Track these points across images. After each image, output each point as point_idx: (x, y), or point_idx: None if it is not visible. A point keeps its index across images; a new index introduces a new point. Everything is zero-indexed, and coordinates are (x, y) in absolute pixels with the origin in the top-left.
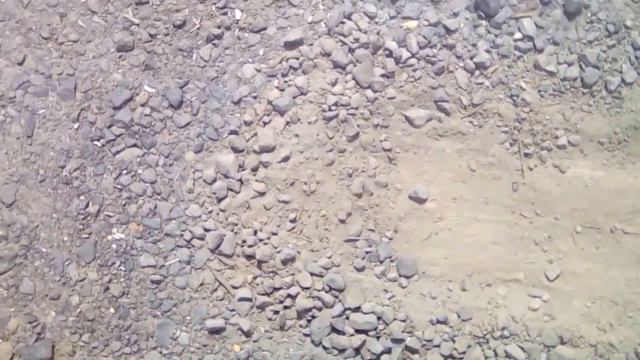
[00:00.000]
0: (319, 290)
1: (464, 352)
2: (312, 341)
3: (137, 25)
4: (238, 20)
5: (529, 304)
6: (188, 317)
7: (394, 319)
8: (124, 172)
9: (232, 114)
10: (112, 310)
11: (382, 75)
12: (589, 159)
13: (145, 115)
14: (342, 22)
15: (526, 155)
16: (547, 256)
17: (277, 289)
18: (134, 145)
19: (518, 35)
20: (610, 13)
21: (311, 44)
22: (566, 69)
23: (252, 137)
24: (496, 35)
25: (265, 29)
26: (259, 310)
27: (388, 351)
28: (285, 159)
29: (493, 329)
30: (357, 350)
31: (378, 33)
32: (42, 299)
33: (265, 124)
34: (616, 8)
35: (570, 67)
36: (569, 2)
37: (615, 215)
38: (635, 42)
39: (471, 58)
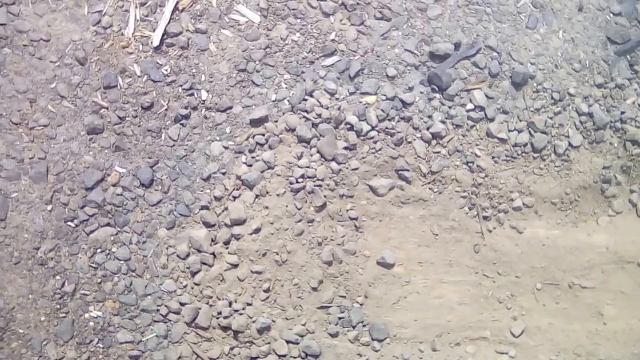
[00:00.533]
0: (295, 358)
1: None
2: None
3: (107, 108)
4: (205, 101)
5: None
6: None
7: None
8: (99, 251)
9: (202, 191)
10: None
11: (345, 148)
12: (544, 219)
13: (118, 195)
14: (305, 100)
15: (485, 218)
16: (511, 313)
17: (255, 359)
18: (108, 225)
19: (470, 106)
20: (554, 82)
21: (276, 121)
22: (517, 135)
23: (223, 211)
24: (450, 107)
25: (231, 108)
26: None
27: None
28: (257, 231)
29: None
30: None
31: (339, 109)
32: None
33: (235, 198)
34: (560, 77)
35: (521, 134)
36: (516, 74)
37: (572, 271)
38: (580, 109)
39: (428, 129)
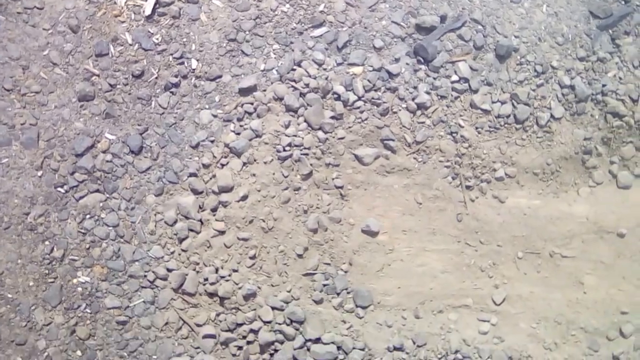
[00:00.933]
0: (280, 324)
1: None
2: None
3: (98, 76)
4: (194, 70)
5: (478, 327)
6: (154, 357)
7: (353, 348)
8: (88, 216)
9: (190, 158)
10: (79, 352)
11: (332, 117)
12: (526, 189)
13: (107, 161)
14: (293, 69)
15: (467, 187)
16: (492, 282)
17: (240, 325)
18: (97, 191)
19: (455, 77)
20: (537, 55)
21: (264, 90)
22: (500, 107)
23: (211, 178)
24: (434, 78)
25: (220, 77)
26: (223, 347)
27: None
28: (244, 198)
29: (447, 352)
30: None
31: (327, 78)
32: (7, 345)
33: (223, 165)
34: (543, 50)
35: (504, 105)
36: (500, 47)
37: (553, 240)
38: (562, 81)
39: (413, 99)
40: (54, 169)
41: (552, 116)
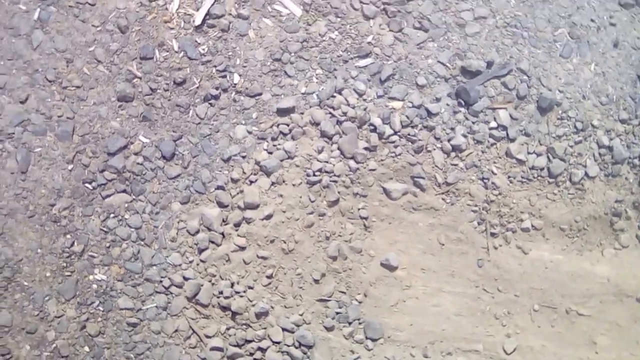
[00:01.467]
0: (288, 346)
1: None
2: None
3: (140, 78)
4: (236, 84)
5: None
6: None
7: None
8: (112, 215)
9: (220, 170)
10: (86, 348)
11: (366, 148)
12: (550, 243)
13: (138, 163)
14: (333, 96)
15: (492, 234)
16: (505, 330)
17: (249, 342)
18: (124, 191)
19: (493, 124)
20: (579, 112)
21: (302, 113)
22: (535, 158)
23: (238, 193)
24: (473, 122)
25: (260, 94)
26: None
27: None
28: (268, 217)
29: None
30: None
31: (365, 109)
32: (18, 332)
33: (251, 182)
34: (585, 108)
35: (539, 158)
36: (543, 99)
37: (571, 297)
38: (600, 141)
39: (449, 140)
40: (84, 164)
41: (586, 174)
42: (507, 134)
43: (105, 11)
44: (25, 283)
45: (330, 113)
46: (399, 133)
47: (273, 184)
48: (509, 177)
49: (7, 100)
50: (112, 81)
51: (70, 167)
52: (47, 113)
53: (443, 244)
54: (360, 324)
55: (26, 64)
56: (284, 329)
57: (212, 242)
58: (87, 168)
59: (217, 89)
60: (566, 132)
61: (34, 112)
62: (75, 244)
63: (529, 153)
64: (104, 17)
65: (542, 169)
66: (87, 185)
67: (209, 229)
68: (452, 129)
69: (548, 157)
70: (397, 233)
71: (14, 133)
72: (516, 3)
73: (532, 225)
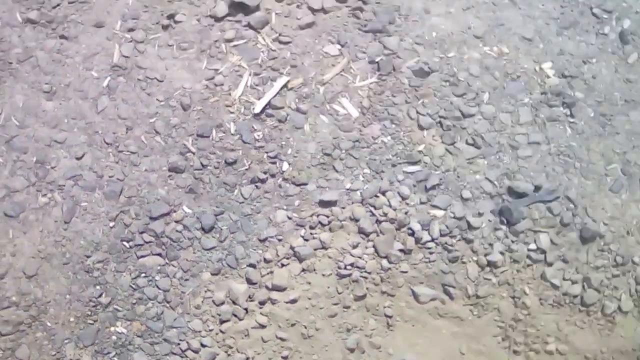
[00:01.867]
0: None
1: None
2: None
3: (193, 153)
4: (284, 171)
5: None
6: None
7: None
8: (143, 275)
9: (255, 249)
10: None
11: (401, 250)
12: None
13: (177, 231)
14: (377, 196)
15: (515, 352)
16: None
17: None
18: (159, 254)
19: (533, 246)
20: (621, 247)
21: (343, 207)
22: (570, 285)
23: (268, 274)
24: (513, 241)
25: (306, 184)
26: None
27: None
28: (293, 301)
29: None
30: None
31: (406, 213)
32: None
33: (283, 265)
34: (628, 244)
35: (574, 285)
36: (586, 229)
37: None
38: (638, 277)
39: (485, 255)
40: (126, 223)
41: (619, 308)
42: (545, 258)
43: (172, 88)
44: (49, 324)
45: (371, 212)
46: (436, 240)
47: (304, 270)
48: (540, 299)
49: (64, 155)
50: (166, 152)
51: (112, 224)
52: (100, 172)
53: (464, 354)
54: None
55: (87, 125)
56: None
57: (235, 316)
58: (127, 227)
59: (265, 173)
60: (605, 264)
61: (87, 169)
62: (104, 295)
63: (564, 279)
64: (169, 93)
65: (575, 297)
66: (124, 243)
67: (234, 303)
68: (491, 244)
69: (583, 286)
70: (419, 336)
71: (64, 185)
72: (572, 134)
73: (557, 349)
